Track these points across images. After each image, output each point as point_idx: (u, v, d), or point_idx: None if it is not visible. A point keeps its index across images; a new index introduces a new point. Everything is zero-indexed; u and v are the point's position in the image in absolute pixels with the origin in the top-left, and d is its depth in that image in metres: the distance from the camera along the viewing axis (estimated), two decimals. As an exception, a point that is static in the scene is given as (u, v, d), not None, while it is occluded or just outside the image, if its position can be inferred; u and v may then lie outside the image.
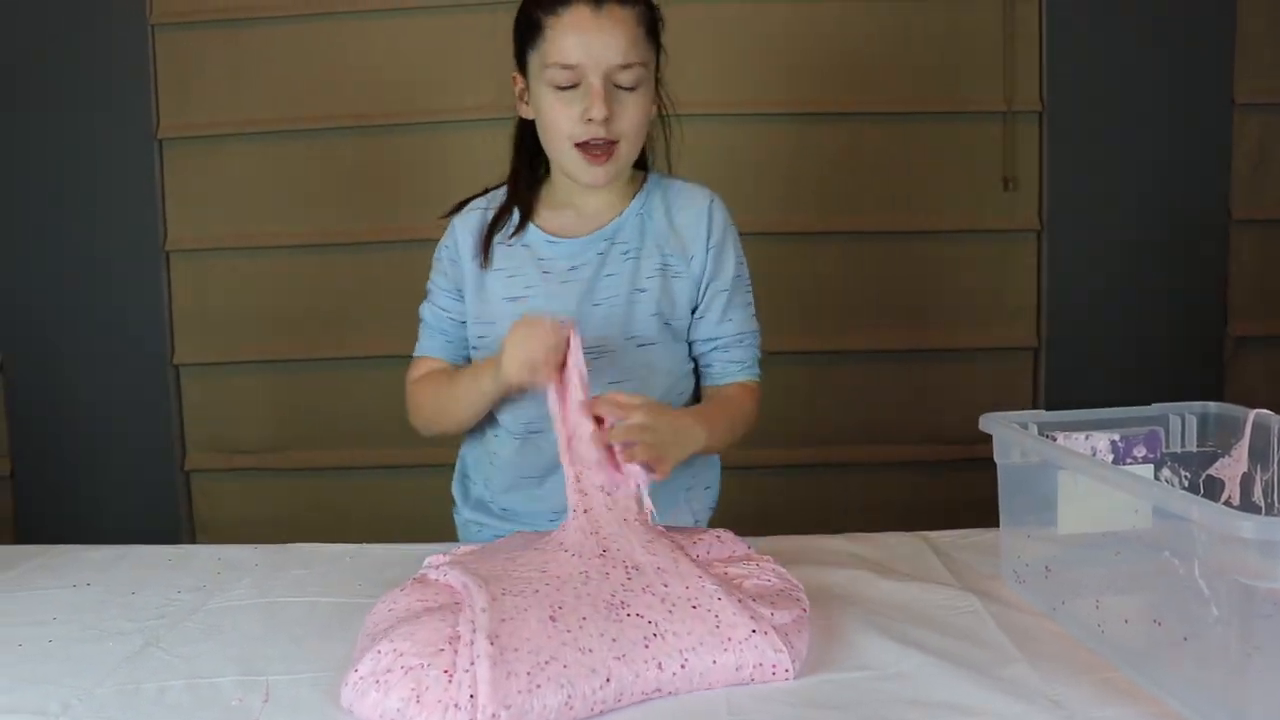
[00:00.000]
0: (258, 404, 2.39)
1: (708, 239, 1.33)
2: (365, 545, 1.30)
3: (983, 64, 2.26)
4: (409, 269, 2.29)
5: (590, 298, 1.31)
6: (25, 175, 2.33)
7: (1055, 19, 2.24)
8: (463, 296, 1.37)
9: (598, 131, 1.25)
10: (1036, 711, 0.83)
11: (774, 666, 0.91)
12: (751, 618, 0.93)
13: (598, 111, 1.23)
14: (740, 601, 0.95)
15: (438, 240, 1.32)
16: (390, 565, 1.22)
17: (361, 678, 0.87)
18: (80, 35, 2.29)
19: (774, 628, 0.93)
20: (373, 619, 0.98)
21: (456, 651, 0.87)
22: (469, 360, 1.39)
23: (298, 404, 2.38)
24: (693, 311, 1.35)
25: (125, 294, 2.35)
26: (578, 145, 1.26)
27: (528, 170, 1.38)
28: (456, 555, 1.12)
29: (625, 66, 1.25)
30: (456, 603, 0.97)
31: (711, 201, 1.35)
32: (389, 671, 0.86)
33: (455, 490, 1.47)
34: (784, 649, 0.92)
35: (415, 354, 1.42)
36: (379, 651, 0.89)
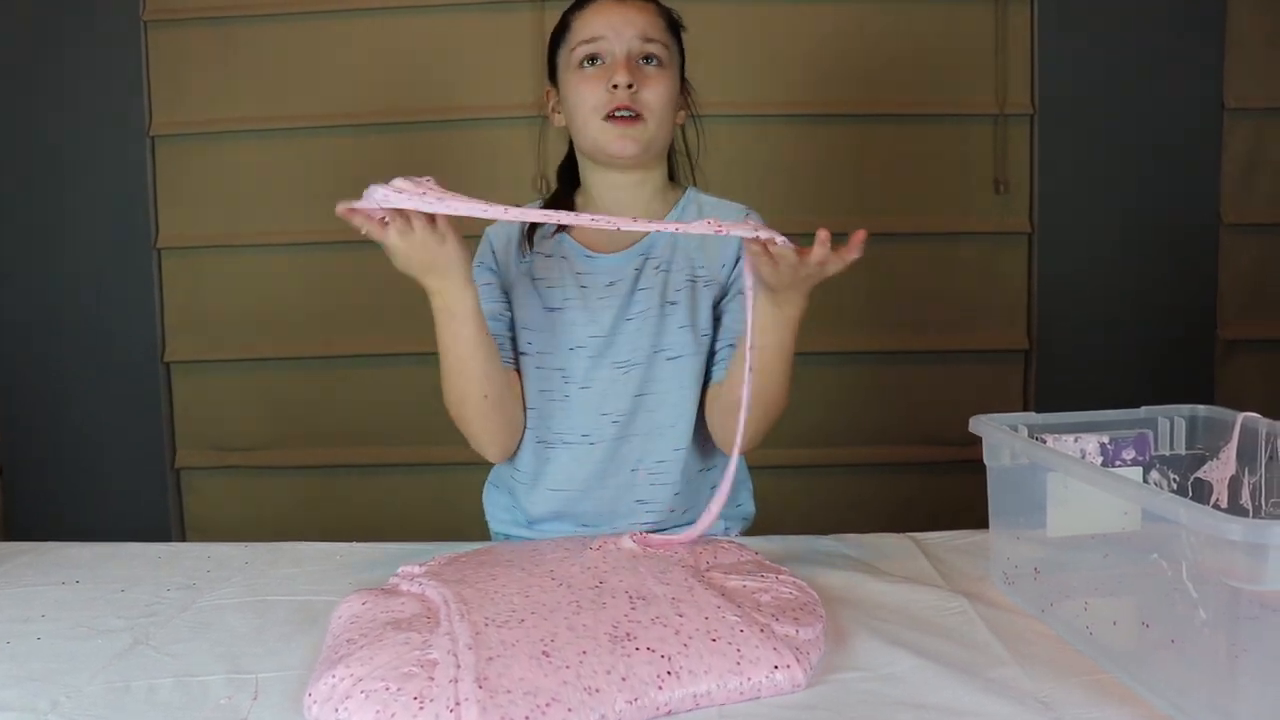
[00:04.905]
0: (249, 402, 2.38)
1: (739, 245, 1.31)
2: (355, 544, 1.29)
3: (974, 67, 2.27)
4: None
5: (625, 311, 1.32)
6: (16, 172, 2.32)
7: (1047, 22, 2.25)
8: (509, 298, 1.35)
9: (623, 99, 1.27)
10: (1025, 713, 0.83)
11: (788, 693, 0.88)
12: (775, 649, 0.88)
13: (621, 77, 1.26)
14: (763, 630, 0.90)
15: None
16: (380, 564, 1.21)
17: (316, 703, 0.83)
18: (72, 32, 2.29)
19: (795, 653, 0.88)
20: (332, 632, 0.95)
21: (432, 678, 0.81)
22: (516, 362, 1.35)
23: (289, 402, 2.37)
24: (716, 318, 1.34)
25: (116, 291, 2.35)
26: (605, 118, 1.28)
27: (568, 180, 1.41)
28: (432, 565, 1.10)
29: (648, 40, 1.29)
30: (427, 616, 0.93)
31: (747, 214, 1.35)
32: (348, 698, 0.81)
33: (485, 501, 1.46)
34: (803, 680, 0.88)
35: None
36: (334, 677, 0.84)
